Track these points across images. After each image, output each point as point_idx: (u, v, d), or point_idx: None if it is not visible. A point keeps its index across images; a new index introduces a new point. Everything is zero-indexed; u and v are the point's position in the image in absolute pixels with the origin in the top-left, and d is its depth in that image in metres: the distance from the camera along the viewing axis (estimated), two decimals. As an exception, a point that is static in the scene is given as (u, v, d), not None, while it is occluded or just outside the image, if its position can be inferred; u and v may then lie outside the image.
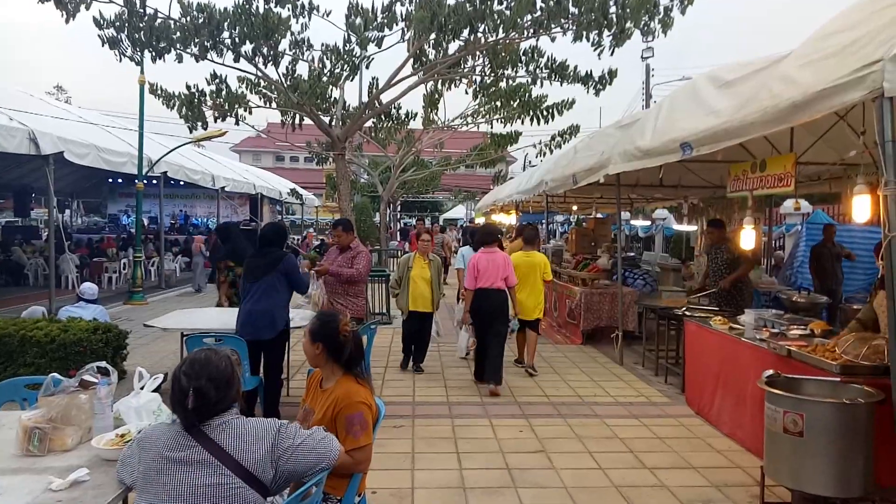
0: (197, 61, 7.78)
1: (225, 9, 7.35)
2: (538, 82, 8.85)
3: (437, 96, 11.70)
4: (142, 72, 11.72)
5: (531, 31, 7.65)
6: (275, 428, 2.22)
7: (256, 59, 7.77)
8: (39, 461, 2.56)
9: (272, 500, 2.25)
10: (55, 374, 3.15)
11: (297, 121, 9.16)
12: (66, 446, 2.68)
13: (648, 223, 18.37)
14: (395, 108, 11.64)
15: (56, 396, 2.84)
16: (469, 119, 11.93)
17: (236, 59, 7.76)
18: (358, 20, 7.71)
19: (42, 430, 2.63)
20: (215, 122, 9.22)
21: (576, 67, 8.45)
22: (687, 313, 6.52)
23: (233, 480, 2.08)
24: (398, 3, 7.64)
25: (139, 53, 7.72)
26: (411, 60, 8.44)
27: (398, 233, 29.91)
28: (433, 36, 7.69)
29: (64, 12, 6.96)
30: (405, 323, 7.34)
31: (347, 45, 8.13)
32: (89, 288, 7.04)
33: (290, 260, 5.37)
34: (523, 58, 8.59)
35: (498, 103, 10.94)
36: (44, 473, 2.42)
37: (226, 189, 17.91)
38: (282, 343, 5.33)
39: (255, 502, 2.11)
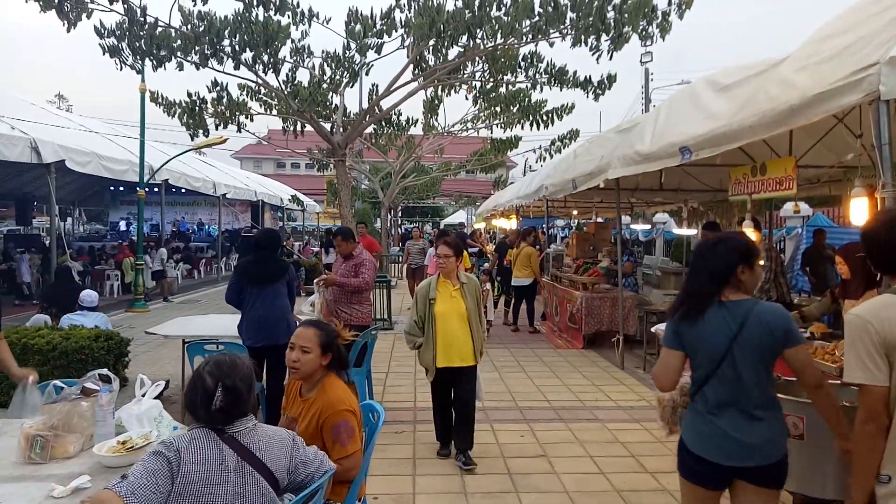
0: (197, 69, 7.81)
1: (225, 17, 7.38)
2: (538, 87, 8.88)
3: (436, 102, 11.74)
4: (143, 80, 11.78)
5: (530, 36, 7.68)
6: (290, 438, 2.27)
7: (257, 66, 7.79)
8: (41, 468, 2.58)
9: None
10: (57, 381, 3.17)
11: (297, 128, 9.19)
12: (67, 453, 2.69)
13: (649, 227, 18.35)
14: (395, 114, 11.70)
15: (58, 404, 2.85)
16: (469, 124, 11.96)
17: (237, 67, 7.79)
18: (357, 27, 7.74)
19: (44, 438, 2.64)
20: (216, 129, 9.25)
21: (575, 72, 8.48)
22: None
23: (266, 487, 2.11)
24: (397, 10, 7.67)
25: (140, 62, 7.75)
26: (411, 66, 8.47)
27: (400, 239, 29.96)
28: (432, 42, 7.72)
29: (65, 21, 6.99)
30: (435, 386, 4.90)
31: (347, 51, 8.16)
32: (88, 295, 7.05)
33: (292, 270, 5.50)
34: (522, 63, 8.62)
35: (498, 108, 10.97)
36: (46, 481, 2.43)
37: (227, 196, 17.98)
38: None
39: None
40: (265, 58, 7.63)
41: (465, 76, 9.27)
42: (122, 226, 27.24)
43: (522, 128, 10.61)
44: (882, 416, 2.09)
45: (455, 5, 7.38)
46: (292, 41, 7.94)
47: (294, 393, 2.94)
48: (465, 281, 4.81)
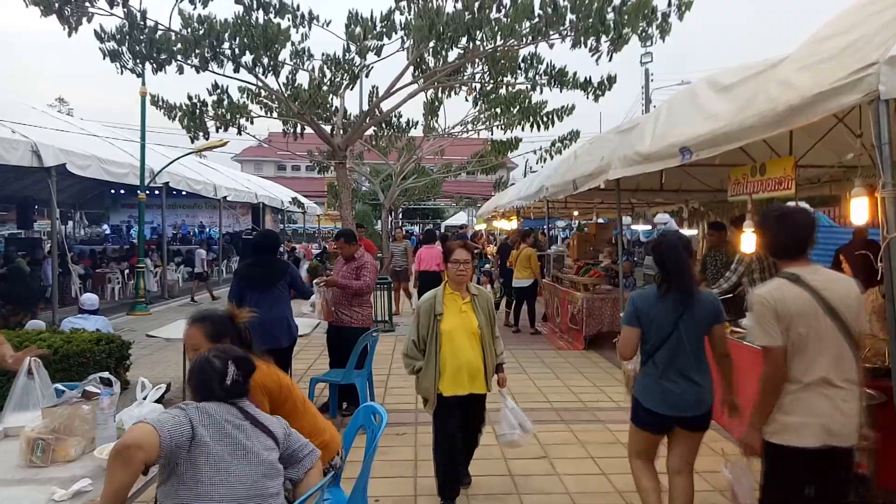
0: (198, 72, 7.83)
1: (225, 20, 7.39)
2: (538, 89, 8.89)
3: (437, 104, 11.74)
4: (143, 83, 11.79)
5: (529, 38, 7.69)
6: (277, 418, 2.45)
7: (257, 69, 7.81)
8: (43, 472, 2.58)
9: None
10: (58, 384, 3.17)
11: (298, 130, 9.20)
12: (69, 457, 2.69)
13: (649, 228, 18.33)
14: (395, 116, 11.70)
15: (59, 407, 2.85)
16: (469, 126, 11.96)
17: (237, 70, 7.81)
18: (357, 29, 7.76)
19: (45, 441, 2.64)
20: (217, 132, 9.26)
21: (575, 74, 8.48)
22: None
23: (271, 446, 2.28)
24: (397, 12, 7.69)
25: (140, 65, 7.77)
26: (411, 68, 8.49)
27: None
28: (432, 44, 7.74)
29: (66, 26, 7.01)
30: (438, 417, 4.04)
31: (347, 54, 8.18)
32: (89, 299, 7.07)
33: (293, 267, 5.61)
34: (522, 64, 8.64)
35: (498, 110, 10.97)
36: (47, 484, 2.43)
37: (228, 199, 17.97)
38: (291, 350, 5.39)
39: (280, 477, 2.30)
40: (265, 60, 7.65)
41: (466, 78, 9.28)
42: (107, 229, 27.47)
43: (523, 129, 10.62)
44: (783, 369, 2.69)
45: (455, 7, 7.39)
46: (292, 44, 7.96)
47: None
48: (475, 293, 4.10)
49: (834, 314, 2.66)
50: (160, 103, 9.22)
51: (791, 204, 8.35)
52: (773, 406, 2.73)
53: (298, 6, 7.62)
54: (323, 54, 8.39)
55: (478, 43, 7.77)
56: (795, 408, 2.67)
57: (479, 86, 9.84)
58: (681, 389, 3.18)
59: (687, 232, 12.27)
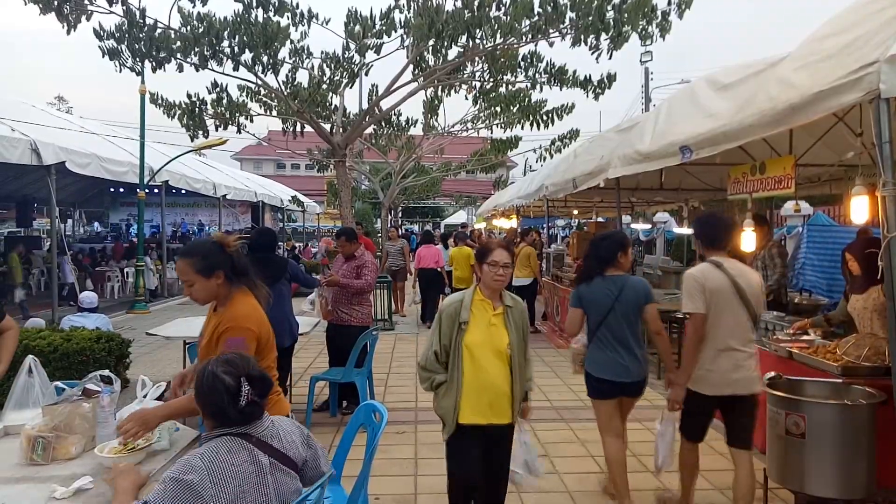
0: (197, 70, 7.82)
1: (224, 18, 7.39)
2: (537, 87, 8.88)
3: (436, 102, 11.75)
4: (142, 82, 11.78)
5: (529, 36, 7.68)
6: (300, 428, 2.29)
7: (256, 67, 7.81)
8: (43, 470, 2.57)
9: None
10: (58, 382, 3.17)
11: (297, 128, 9.19)
12: (69, 455, 2.69)
13: (649, 227, 18.33)
14: (395, 114, 11.70)
15: (59, 405, 2.85)
16: (469, 124, 11.96)
17: (236, 68, 7.80)
18: (357, 28, 7.75)
19: (45, 439, 2.64)
20: (216, 130, 9.27)
21: (574, 72, 8.48)
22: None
23: (294, 479, 2.13)
24: (396, 11, 7.68)
25: (139, 64, 7.76)
26: (411, 67, 8.48)
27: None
28: (432, 42, 7.73)
29: (65, 23, 7.00)
30: (453, 445, 3.33)
31: (346, 52, 8.18)
32: (88, 297, 7.07)
33: (293, 264, 5.62)
34: (522, 63, 8.63)
35: (498, 108, 10.97)
36: (47, 482, 2.43)
37: (227, 197, 17.96)
38: (292, 349, 5.39)
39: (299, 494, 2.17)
40: (264, 59, 7.64)
41: (465, 76, 9.28)
42: (97, 226, 27.52)
43: (522, 128, 10.62)
44: (701, 332, 3.55)
45: (454, 5, 7.40)
46: (291, 42, 7.95)
47: (210, 309, 2.85)
48: (510, 304, 3.33)
49: (741, 295, 3.51)
50: (159, 102, 9.22)
51: (791, 203, 8.35)
52: (694, 365, 3.57)
53: (298, 4, 7.62)
54: (322, 52, 8.39)
55: (477, 41, 7.77)
56: (708, 365, 3.55)
57: (478, 84, 9.83)
58: (624, 360, 3.77)
59: (686, 231, 12.26)
